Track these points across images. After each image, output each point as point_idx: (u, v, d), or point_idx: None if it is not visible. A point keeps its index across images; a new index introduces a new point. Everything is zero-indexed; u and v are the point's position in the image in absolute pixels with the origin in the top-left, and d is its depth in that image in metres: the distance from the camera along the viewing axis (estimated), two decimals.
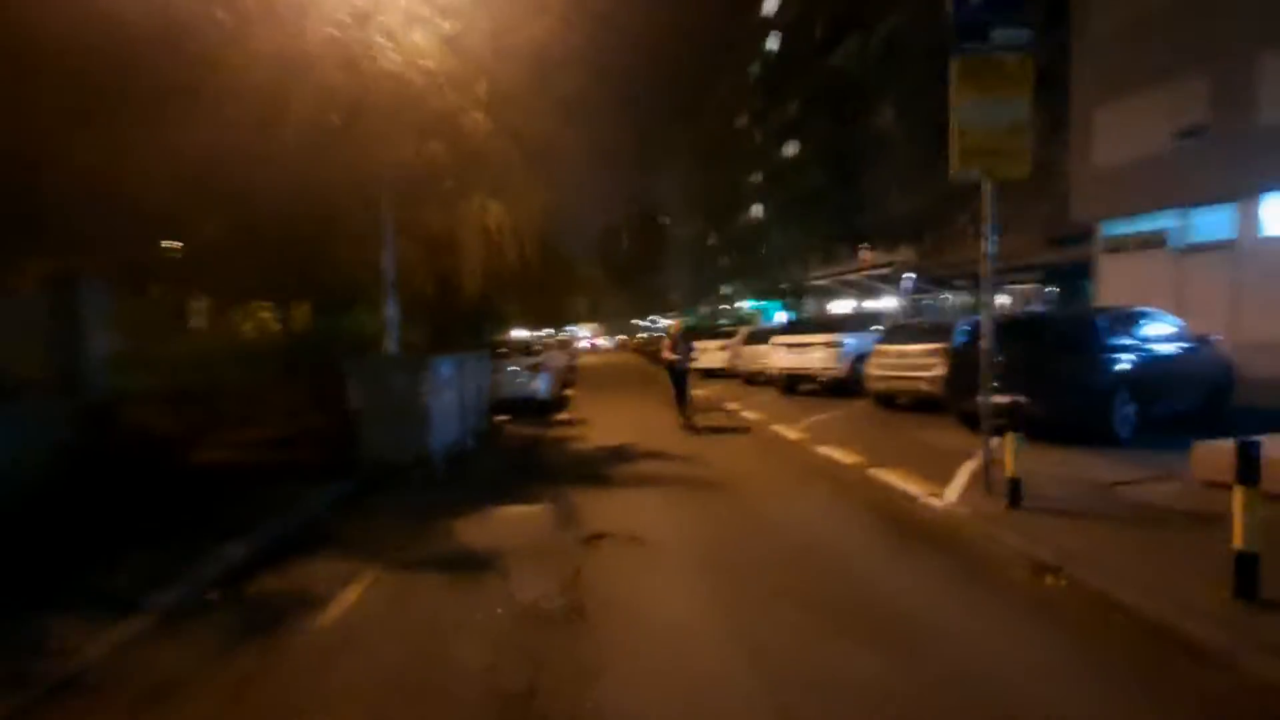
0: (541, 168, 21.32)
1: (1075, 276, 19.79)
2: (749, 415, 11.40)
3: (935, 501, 5.45)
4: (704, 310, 60.09)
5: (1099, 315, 8.34)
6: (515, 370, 12.57)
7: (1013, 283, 23.09)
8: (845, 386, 12.59)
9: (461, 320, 19.42)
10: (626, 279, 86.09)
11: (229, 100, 6.90)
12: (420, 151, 12.64)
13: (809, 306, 32.80)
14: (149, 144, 6.56)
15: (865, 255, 24.00)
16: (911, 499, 5.67)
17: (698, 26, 69.72)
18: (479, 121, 10.38)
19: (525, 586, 4.07)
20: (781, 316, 42.80)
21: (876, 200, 32.30)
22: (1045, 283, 22.01)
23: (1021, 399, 7.16)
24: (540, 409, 12.86)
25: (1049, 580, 3.87)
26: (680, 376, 10.83)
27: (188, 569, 4.28)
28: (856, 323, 13.43)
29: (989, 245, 5.78)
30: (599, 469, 7.56)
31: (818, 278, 28.24)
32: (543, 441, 9.83)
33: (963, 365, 8.18)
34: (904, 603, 3.69)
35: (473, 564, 4.56)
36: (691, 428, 10.35)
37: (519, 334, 13.66)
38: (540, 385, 12.64)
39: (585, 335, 65.79)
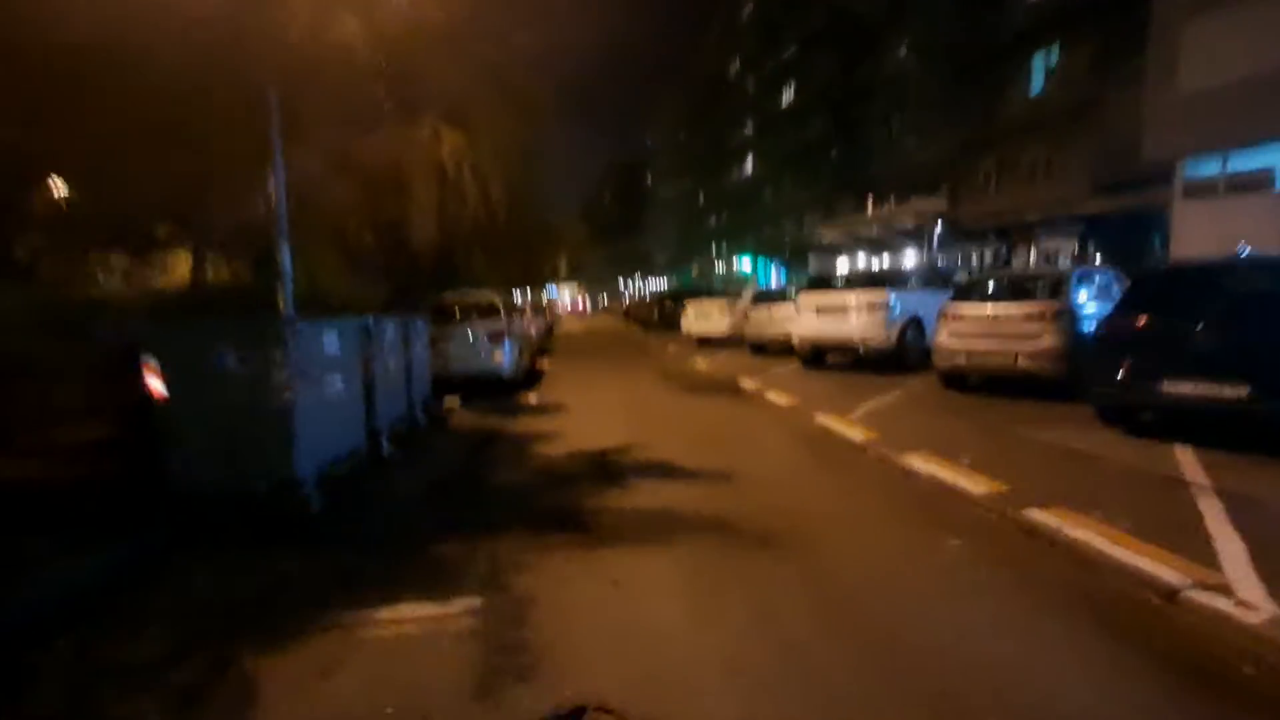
0: (514, 102, 18.16)
1: (1129, 229, 17.18)
2: (776, 399, 8.68)
3: (1227, 606, 2.78)
4: (695, 272, 56.94)
5: None
6: (469, 339, 9.68)
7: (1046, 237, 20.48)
8: (891, 359, 9.93)
9: (424, 279, 16.39)
10: (610, 239, 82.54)
11: None
12: (322, 31, 9.52)
13: (813, 265, 29.94)
14: None
15: (888, 207, 21.10)
16: (1155, 586, 2.99)
17: None
18: None
19: None
20: (777, 277, 40.02)
21: (886, 149, 29.32)
22: (1086, 237, 19.40)
23: (1243, 391, 4.50)
24: (504, 388, 10.06)
25: None
26: None
27: None
28: (896, 279, 10.66)
29: None
30: (573, 501, 4.79)
31: (827, 233, 25.38)
32: (498, 441, 7.03)
33: (1117, 336, 5.50)
34: None
35: None
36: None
37: (482, 293, 10.57)
38: (502, 358, 9.79)
39: (567, 297, 62.59)
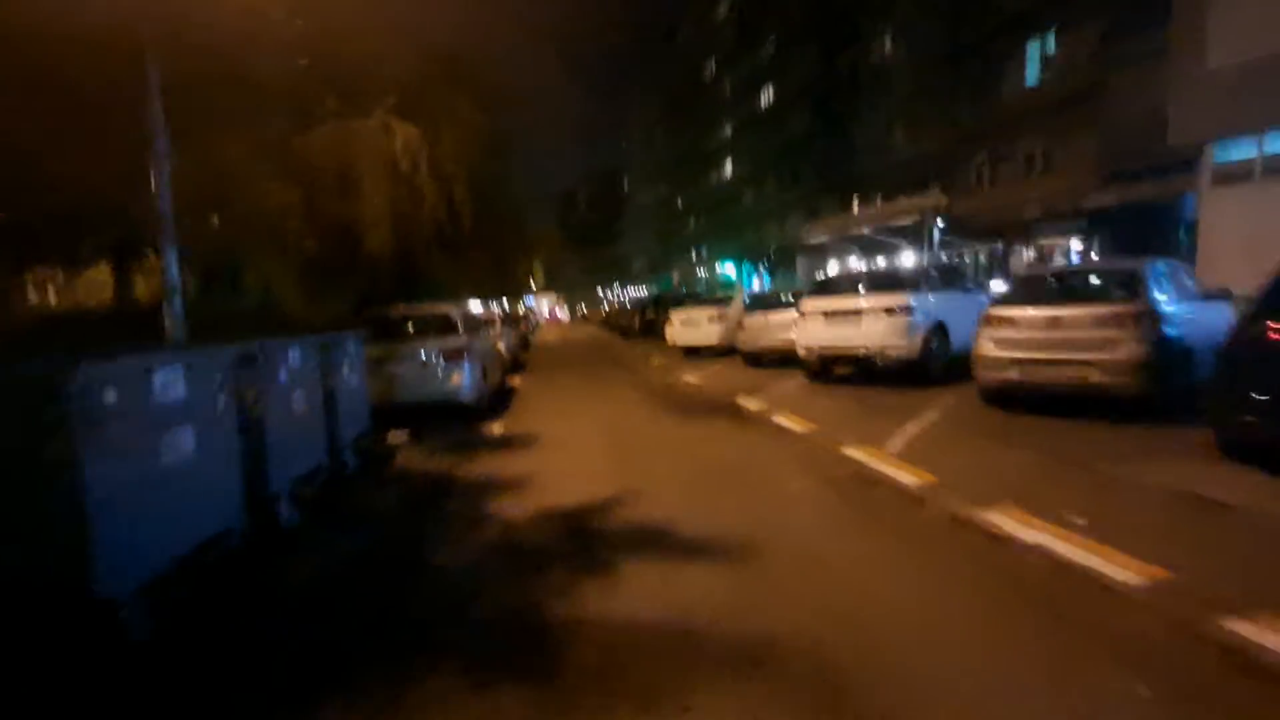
0: (475, 95, 16.65)
1: (1138, 222, 16.13)
2: (788, 424, 7.26)
3: None
4: (675, 278, 55.63)
5: None
6: (421, 360, 8.14)
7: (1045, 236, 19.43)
8: (913, 370, 8.58)
9: (384, 290, 14.78)
10: (587, 247, 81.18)
11: None
12: None
13: (801, 268, 28.71)
14: None
15: (878, 206, 19.87)
16: None
17: None
18: None
19: None
20: (760, 281, 38.83)
21: (873, 145, 28.28)
22: (1089, 233, 18.36)
23: None
24: (466, 416, 8.53)
25: None
26: None
27: None
28: (916, 280, 9.32)
29: None
30: (537, 606, 3.29)
31: (814, 234, 24.16)
32: (446, 495, 5.50)
33: (1257, 348, 4.17)
34: None
35: None
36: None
37: (438, 306, 8.96)
38: (462, 381, 8.25)
39: (545, 306, 60.96)
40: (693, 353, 15.60)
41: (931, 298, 8.73)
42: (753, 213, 43.68)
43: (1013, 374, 6.44)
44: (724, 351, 14.76)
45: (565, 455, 6.60)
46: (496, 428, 8.23)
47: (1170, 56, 12.66)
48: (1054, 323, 6.17)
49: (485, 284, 22.22)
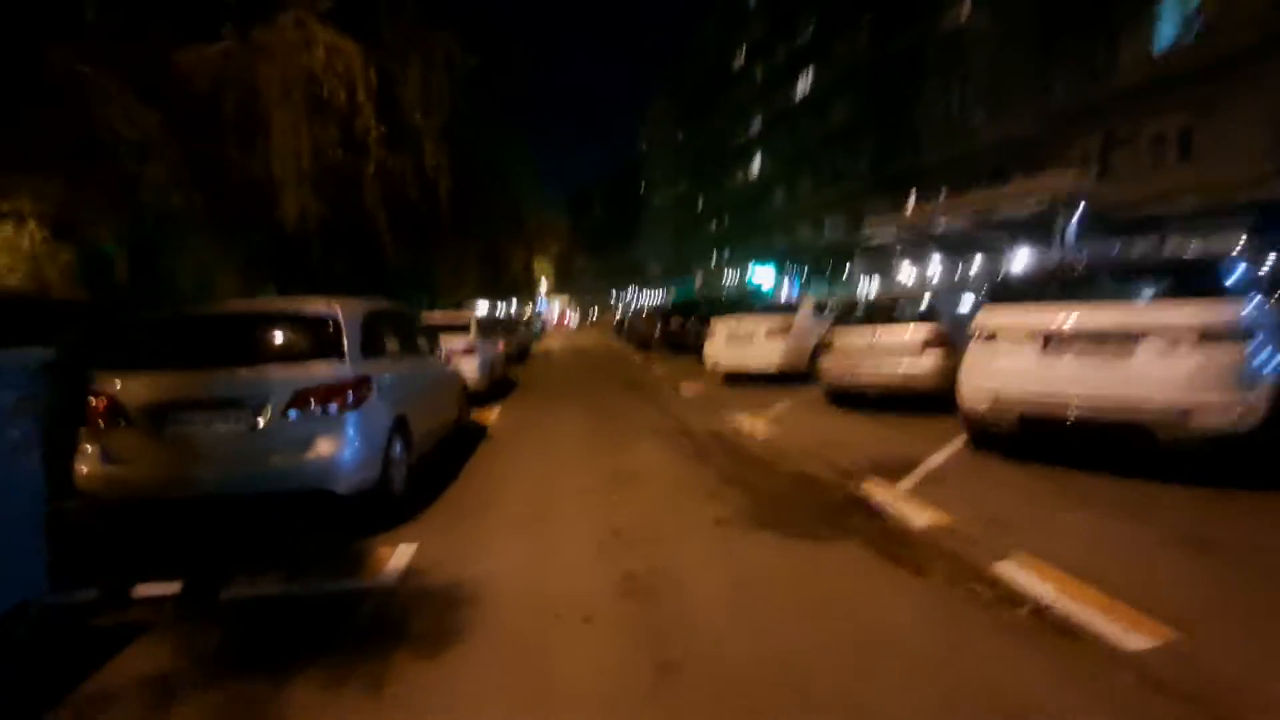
0: (470, 37, 12.55)
1: None
2: (1023, 582, 3.00)
3: None
4: (698, 282, 51.36)
5: None
6: (250, 410, 3.99)
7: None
8: (1249, 451, 4.30)
9: (326, 278, 10.71)
10: (601, 248, 77.32)
11: None
12: None
13: (863, 271, 24.35)
14: None
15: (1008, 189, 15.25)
16: None
17: None
18: None
19: None
20: (789, 287, 34.48)
21: (939, 133, 24.00)
22: (1259, 230, 13.97)
23: None
24: (351, 514, 4.36)
25: None
26: None
27: None
28: (1242, 274, 4.89)
29: None
30: None
31: (879, 231, 19.90)
32: None
33: None
34: None
35: None
36: None
37: (304, 304, 4.55)
38: (335, 455, 4.09)
39: (555, 310, 56.87)
40: (737, 379, 11.36)
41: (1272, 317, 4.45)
42: (784, 213, 39.47)
43: None
44: (785, 378, 10.52)
45: (527, 686, 2.42)
46: (399, 556, 3.99)
47: None
48: None
49: (473, 279, 18.01)
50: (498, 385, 11.36)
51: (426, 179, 11.09)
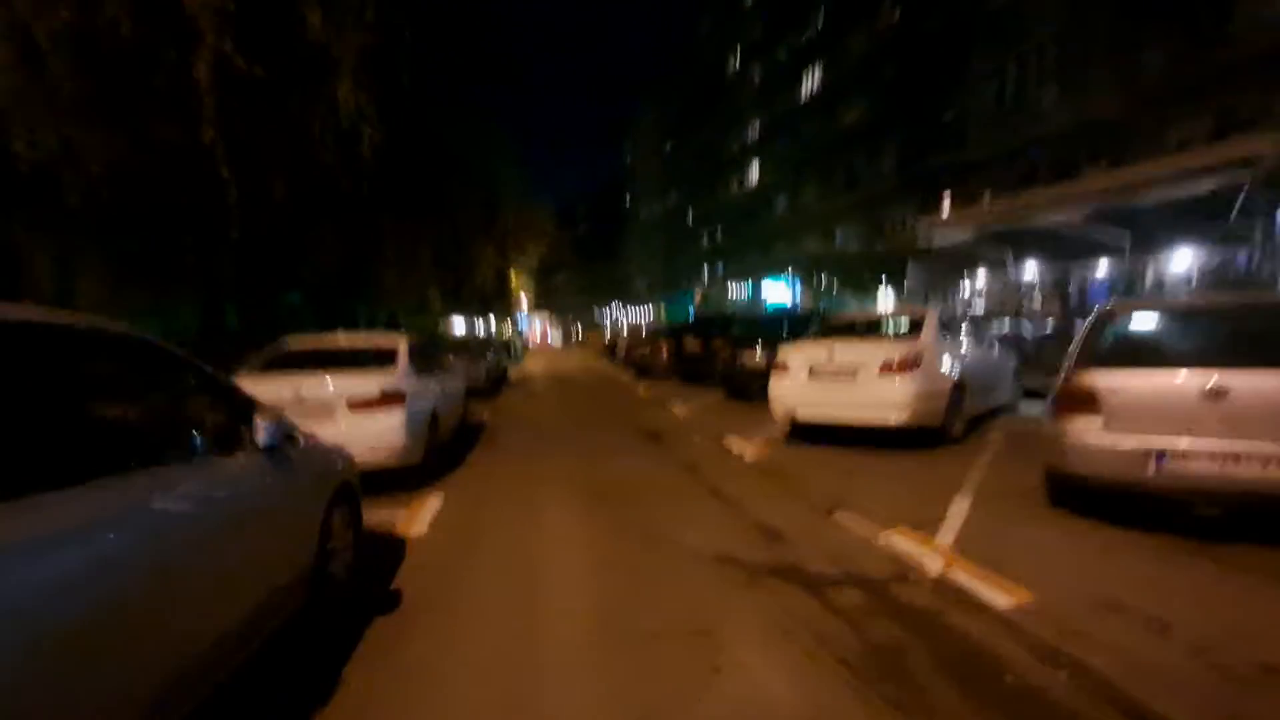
0: None
1: None
2: None
3: None
4: (697, 297, 47.57)
5: None
6: None
7: None
8: None
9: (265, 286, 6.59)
10: (583, 264, 73.50)
11: None
12: None
13: (913, 282, 20.58)
14: None
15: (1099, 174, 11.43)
16: None
17: None
18: None
19: None
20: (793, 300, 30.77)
21: (988, 122, 20.59)
22: None
23: None
24: None
25: None
26: None
27: None
28: None
29: None
30: None
31: (944, 230, 16.24)
32: None
33: None
34: None
35: None
36: None
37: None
38: None
39: (536, 328, 52.79)
40: (816, 432, 7.40)
41: None
42: (788, 222, 36.02)
43: None
44: (902, 437, 6.60)
45: None
46: None
47: None
48: None
49: (428, 281, 13.44)
50: (472, 424, 7.27)
51: (339, 128, 7.11)
